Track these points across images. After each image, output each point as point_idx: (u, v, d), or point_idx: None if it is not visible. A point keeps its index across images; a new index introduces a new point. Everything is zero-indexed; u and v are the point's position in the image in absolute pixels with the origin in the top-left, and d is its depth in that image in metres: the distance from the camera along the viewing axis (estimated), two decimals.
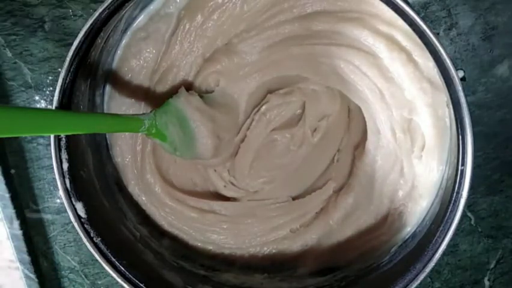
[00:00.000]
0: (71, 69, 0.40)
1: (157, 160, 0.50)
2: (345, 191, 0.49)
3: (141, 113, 0.48)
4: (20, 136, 0.54)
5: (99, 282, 0.57)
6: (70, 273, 0.57)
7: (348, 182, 0.49)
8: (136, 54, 0.48)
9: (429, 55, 0.38)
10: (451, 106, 0.39)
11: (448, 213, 0.39)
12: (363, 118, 0.48)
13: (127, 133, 0.50)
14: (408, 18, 0.37)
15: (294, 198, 0.52)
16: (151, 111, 0.44)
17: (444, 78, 0.38)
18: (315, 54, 0.48)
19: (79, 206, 0.42)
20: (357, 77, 0.47)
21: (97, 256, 0.42)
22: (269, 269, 0.50)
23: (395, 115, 0.47)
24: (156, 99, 0.49)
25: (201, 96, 0.46)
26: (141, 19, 0.47)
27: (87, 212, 0.42)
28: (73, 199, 0.42)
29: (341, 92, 0.49)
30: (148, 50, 0.48)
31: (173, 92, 0.48)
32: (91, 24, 0.40)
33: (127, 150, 0.50)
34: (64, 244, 0.56)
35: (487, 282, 0.54)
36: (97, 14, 0.39)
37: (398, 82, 0.46)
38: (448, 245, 0.39)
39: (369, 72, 0.47)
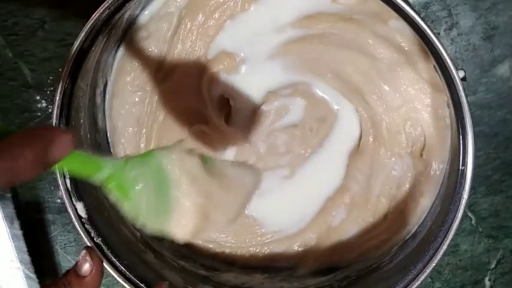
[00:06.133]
0: (72, 69, 0.40)
1: None
2: (342, 190, 0.49)
3: (106, 157, 0.33)
4: None
5: None
6: None
7: (344, 181, 0.49)
8: (138, 54, 0.48)
9: (429, 55, 0.38)
10: (451, 106, 0.39)
11: (448, 214, 0.39)
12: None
13: (130, 131, 0.49)
14: (409, 18, 0.37)
15: None
16: (123, 157, 0.35)
17: (445, 78, 0.38)
18: (315, 55, 0.48)
19: (80, 206, 0.42)
20: (356, 77, 0.47)
21: None
22: (269, 269, 0.50)
23: (392, 115, 0.47)
24: (159, 98, 0.49)
25: (205, 159, 0.35)
26: (142, 18, 0.48)
27: (88, 212, 0.42)
28: (73, 199, 0.42)
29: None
30: (150, 50, 0.48)
31: (177, 91, 0.48)
32: (92, 24, 0.40)
33: (130, 148, 0.50)
34: (65, 244, 0.56)
35: (487, 282, 0.54)
36: (97, 14, 0.39)
37: (397, 83, 0.46)
38: (449, 245, 0.39)
39: (368, 73, 0.47)
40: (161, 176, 0.33)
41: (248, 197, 0.37)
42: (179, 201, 0.33)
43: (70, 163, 0.30)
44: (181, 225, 0.34)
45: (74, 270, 0.38)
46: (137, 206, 0.33)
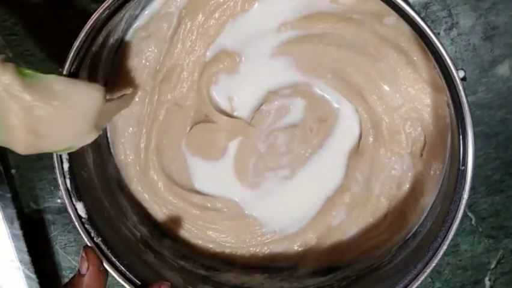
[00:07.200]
0: (72, 69, 0.40)
1: (161, 157, 0.50)
2: (342, 190, 0.49)
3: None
4: None
5: None
6: (71, 273, 0.57)
7: (344, 181, 0.49)
8: (138, 54, 0.48)
9: (428, 55, 0.38)
10: (451, 106, 0.39)
11: (448, 214, 0.39)
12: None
13: (130, 130, 0.50)
14: (409, 18, 0.37)
15: None
16: None
17: (445, 78, 0.38)
18: (315, 55, 0.48)
19: (80, 206, 0.42)
20: (356, 77, 0.47)
21: None
22: (269, 269, 0.50)
23: (392, 115, 0.47)
24: (159, 98, 0.49)
25: (26, 74, 0.34)
26: (142, 18, 0.48)
27: (88, 212, 0.42)
28: (73, 199, 0.42)
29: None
30: (150, 49, 0.48)
31: (177, 91, 0.48)
32: (92, 24, 0.40)
33: (130, 148, 0.50)
34: (65, 244, 0.56)
35: (487, 282, 0.54)
36: (97, 14, 0.39)
37: (397, 83, 0.46)
38: (449, 245, 0.39)
39: (368, 73, 0.47)
40: None
41: (88, 113, 0.37)
42: (1, 117, 0.33)
43: None
44: (13, 140, 0.34)
45: (78, 270, 0.40)
46: None
